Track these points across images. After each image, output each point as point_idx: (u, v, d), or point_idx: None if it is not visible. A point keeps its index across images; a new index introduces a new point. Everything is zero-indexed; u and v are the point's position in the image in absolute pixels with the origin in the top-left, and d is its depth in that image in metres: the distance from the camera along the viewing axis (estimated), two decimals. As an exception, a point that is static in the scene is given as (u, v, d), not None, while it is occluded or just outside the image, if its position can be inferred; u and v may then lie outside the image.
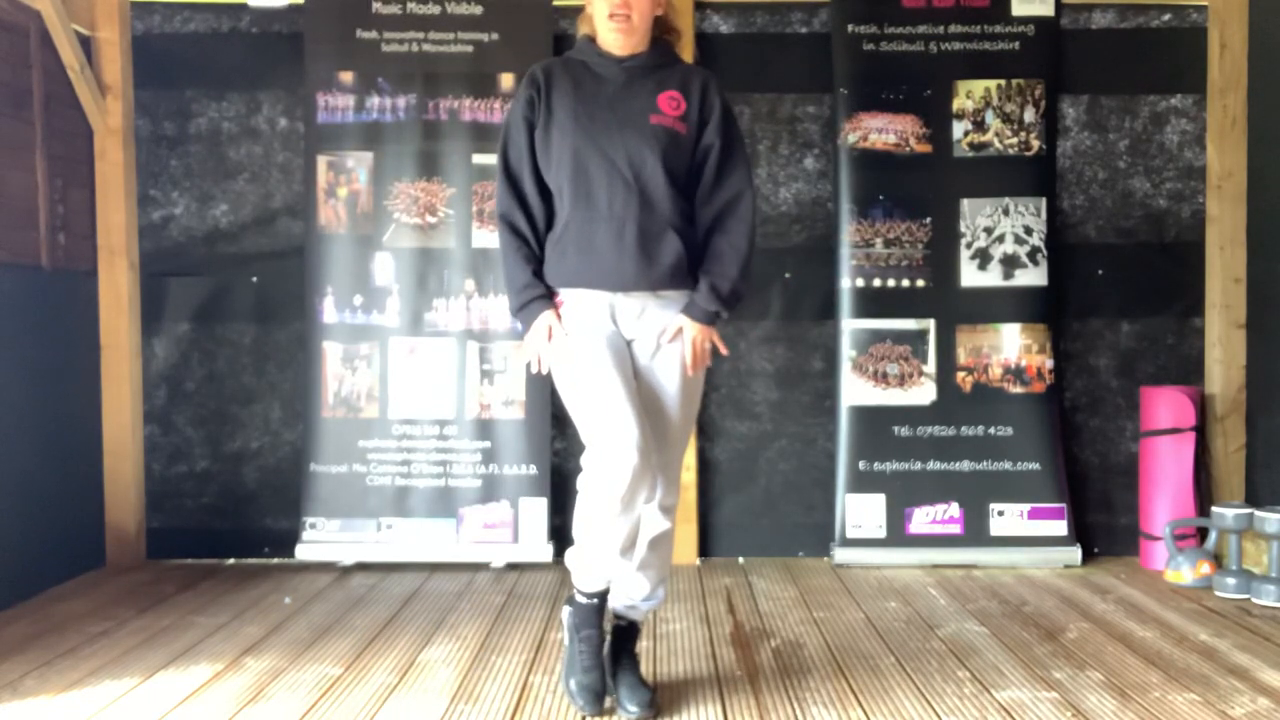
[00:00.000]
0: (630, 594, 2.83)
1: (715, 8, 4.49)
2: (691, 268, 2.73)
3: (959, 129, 4.42)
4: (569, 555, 2.83)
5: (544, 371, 2.76)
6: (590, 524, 2.70)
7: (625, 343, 2.76)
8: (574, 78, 2.74)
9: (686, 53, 4.30)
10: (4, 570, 3.68)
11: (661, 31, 2.80)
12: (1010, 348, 4.39)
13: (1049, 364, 4.39)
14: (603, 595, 2.81)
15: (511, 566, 4.31)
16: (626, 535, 2.70)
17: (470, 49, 4.36)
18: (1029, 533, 4.32)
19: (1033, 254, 4.40)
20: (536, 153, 2.75)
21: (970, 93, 4.42)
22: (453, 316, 4.34)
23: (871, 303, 4.40)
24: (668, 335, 2.73)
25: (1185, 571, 4.00)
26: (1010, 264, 4.41)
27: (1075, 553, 4.30)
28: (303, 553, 4.30)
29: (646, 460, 2.61)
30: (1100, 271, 4.52)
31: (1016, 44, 4.42)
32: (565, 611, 2.86)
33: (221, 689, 2.92)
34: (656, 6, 2.74)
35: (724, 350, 2.83)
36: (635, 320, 2.74)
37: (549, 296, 2.74)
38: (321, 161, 4.35)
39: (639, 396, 2.71)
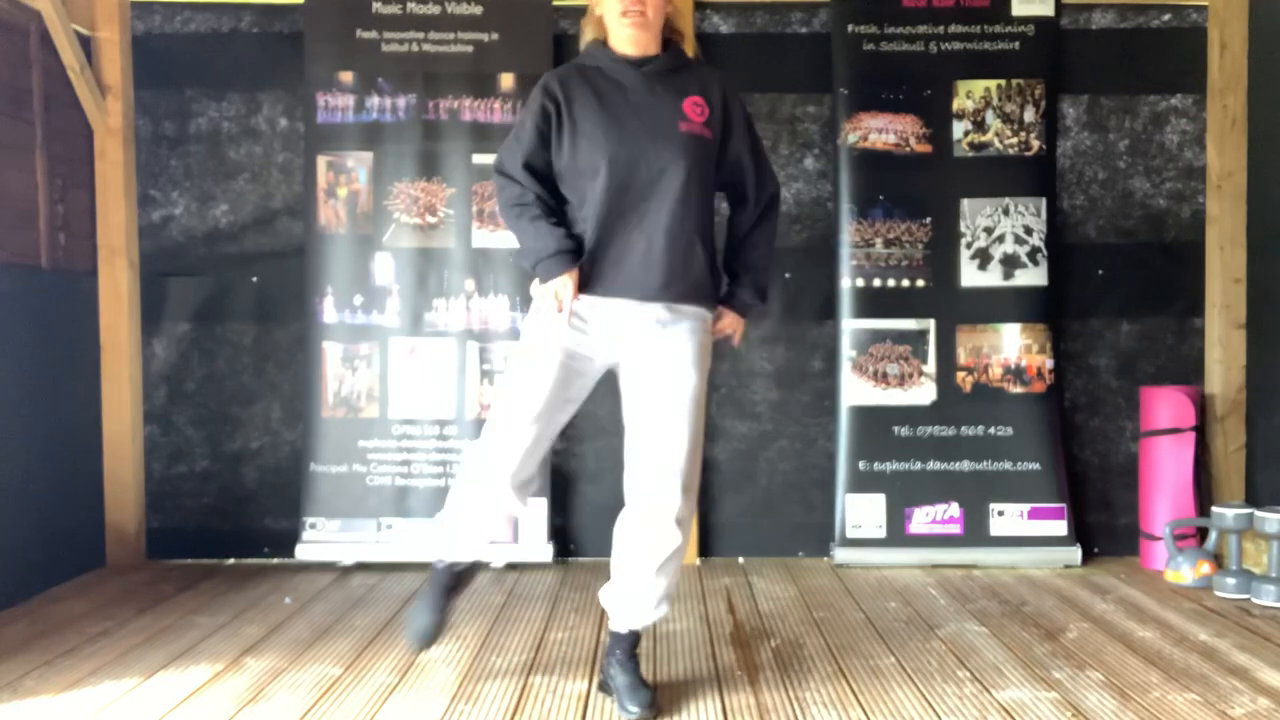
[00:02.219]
0: (640, 605, 2.82)
1: (715, 8, 4.49)
2: (710, 276, 2.76)
3: (959, 129, 4.42)
4: (442, 520, 2.99)
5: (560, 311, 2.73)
6: (468, 493, 2.87)
7: (605, 368, 2.78)
8: (593, 87, 2.70)
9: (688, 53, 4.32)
10: (4, 570, 3.68)
11: (669, 32, 2.80)
12: (1010, 348, 4.39)
13: (1049, 364, 4.39)
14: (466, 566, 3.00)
15: (511, 566, 4.31)
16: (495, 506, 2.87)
17: (470, 49, 4.36)
18: (1029, 533, 4.32)
19: (1033, 254, 4.40)
20: (553, 164, 2.73)
21: (970, 93, 4.42)
22: (453, 316, 4.35)
23: (871, 303, 4.40)
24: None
25: (1185, 571, 4.00)
26: (1010, 264, 4.41)
27: (1075, 553, 4.30)
28: (303, 553, 4.30)
29: (514, 491, 2.82)
30: (1100, 271, 4.52)
31: (1016, 44, 4.42)
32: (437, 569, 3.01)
33: (221, 689, 2.92)
34: (667, 3, 2.73)
35: (737, 344, 3.00)
36: (643, 333, 2.72)
37: (577, 257, 2.69)
38: (321, 161, 4.35)
39: (645, 411, 2.73)
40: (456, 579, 3.00)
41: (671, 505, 2.72)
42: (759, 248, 2.86)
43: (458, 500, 2.91)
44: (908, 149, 4.42)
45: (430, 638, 2.96)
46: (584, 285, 2.70)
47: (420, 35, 4.36)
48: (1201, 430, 4.31)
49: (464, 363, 4.34)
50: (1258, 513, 3.84)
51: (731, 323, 2.89)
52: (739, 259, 2.87)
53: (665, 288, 2.68)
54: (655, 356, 2.73)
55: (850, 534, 4.34)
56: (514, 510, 2.89)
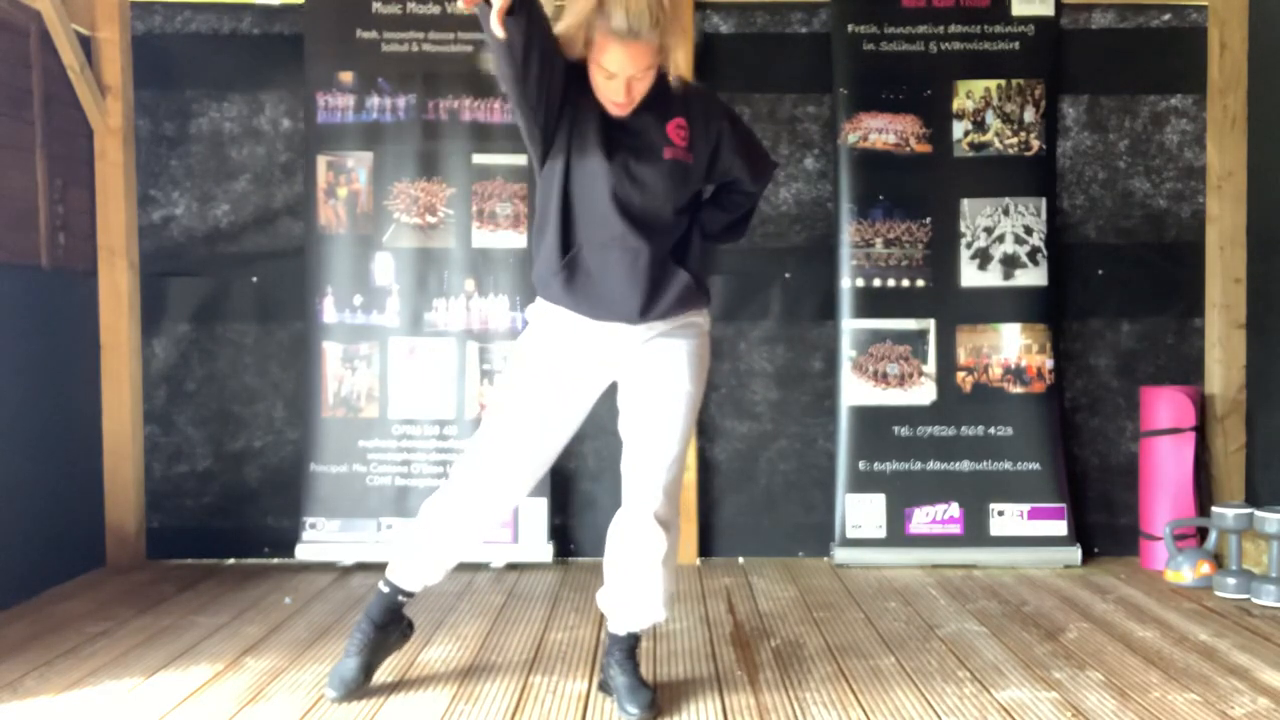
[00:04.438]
0: (634, 608, 2.82)
1: (715, 8, 4.49)
2: (698, 286, 2.72)
3: (959, 129, 4.42)
4: (399, 541, 2.98)
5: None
6: (439, 516, 2.82)
7: (601, 383, 2.76)
8: (593, 102, 2.61)
9: (685, 54, 4.30)
10: (4, 570, 3.68)
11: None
12: (1010, 348, 4.39)
13: (1049, 364, 4.39)
14: (409, 596, 2.92)
15: (511, 566, 4.31)
16: (459, 536, 2.85)
17: (470, 49, 4.36)
18: (1029, 533, 4.32)
19: (1033, 254, 4.40)
20: (561, 148, 2.62)
21: (970, 93, 4.42)
22: (453, 316, 4.35)
23: (871, 303, 4.40)
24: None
25: (1185, 571, 4.00)
26: (1010, 264, 4.41)
27: (1075, 553, 4.30)
28: (303, 553, 4.30)
29: (502, 506, 2.82)
30: (1100, 271, 4.52)
31: (1016, 44, 4.42)
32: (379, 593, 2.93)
33: (221, 689, 2.92)
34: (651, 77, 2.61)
35: None
36: (638, 347, 2.71)
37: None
38: (321, 161, 4.35)
39: (640, 419, 2.73)
40: (391, 616, 2.91)
41: (652, 505, 2.72)
42: (722, 220, 2.83)
43: (429, 519, 2.85)
44: (908, 149, 4.42)
45: (353, 684, 2.82)
46: (572, 304, 2.68)
47: (420, 35, 4.36)
48: (1201, 430, 4.31)
49: (464, 363, 4.34)
50: (1258, 513, 3.84)
51: None
52: (714, 202, 2.83)
53: (647, 311, 2.65)
54: (653, 367, 2.72)
55: (850, 534, 4.34)
56: (486, 536, 2.96)
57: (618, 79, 2.51)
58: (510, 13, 2.32)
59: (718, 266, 4.37)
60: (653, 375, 2.72)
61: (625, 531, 2.77)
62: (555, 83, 2.53)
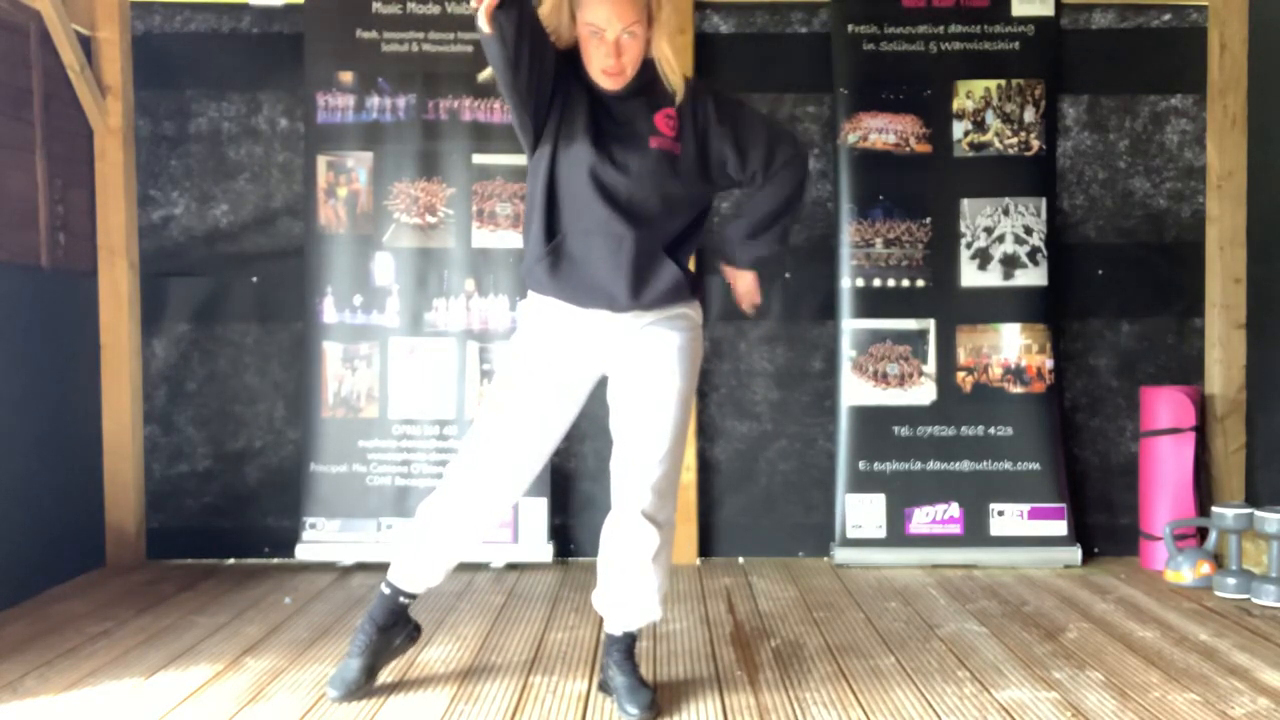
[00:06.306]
0: (629, 607, 2.82)
1: (715, 8, 4.49)
2: (690, 285, 2.72)
3: (959, 129, 4.42)
4: (399, 543, 2.98)
5: None
6: (437, 517, 2.82)
7: (593, 375, 2.77)
8: (584, 84, 2.64)
9: (686, 54, 4.32)
10: (4, 570, 3.68)
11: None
12: (1010, 348, 4.39)
13: (1049, 364, 4.39)
14: (411, 597, 2.91)
15: (511, 566, 4.31)
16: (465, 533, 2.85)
17: (470, 49, 4.36)
18: (1029, 533, 4.32)
19: (1033, 254, 4.40)
20: (549, 136, 2.64)
21: (970, 93, 4.42)
22: (453, 316, 4.35)
23: (871, 303, 4.40)
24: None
25: (1185, 571, 4.00)
26: (1010, 264, 4.41)
27: (1075, 553, 4.30)
28: (303, 553, 4.30)
29: (500, 505, 2.83)
30: (1100, 271, 4.52)
31: (1016, 44, 4.42)
32: (380, 595, 2.93)
33: (221, 689, 2.92)
34: (645, 49, 2.63)
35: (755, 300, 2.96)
36: (627, 337, 2.72)
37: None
38: (321, 161, 4.35)
39: (628, 412, 2.73)
40: (394, 618, 2.90)
41: (640, 502, 2.72)
42: (761, 204, 2.78)
43: (426, 522, 2.85)
44: (908, 149, 4.42)
45: (355, 686, 2.82)
46: (557, 290, 2.68)
47: (420, 35, 4.36)
48: (1201, 430, 4.31)
49: (464, 363, 4.34)
50: (1258, 513, 3.84)
51: (730, 274, 2.92)
52: (742, 215, 2.86)
53: (633, 299, 2.65)
54: (642, 360, 2.72)
55: (850, 534, 4.34)
56: (485, 535, 2.95)
57: (606, 42, 2.53)
58: (501, 6, 2.35)
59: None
60: (642, 369, 2.73)
61: (615, 530, 2.77)
62: (546, 72, 2.56)
